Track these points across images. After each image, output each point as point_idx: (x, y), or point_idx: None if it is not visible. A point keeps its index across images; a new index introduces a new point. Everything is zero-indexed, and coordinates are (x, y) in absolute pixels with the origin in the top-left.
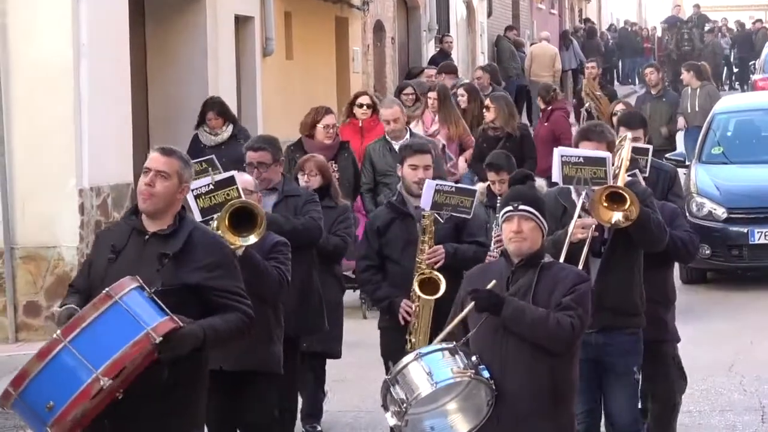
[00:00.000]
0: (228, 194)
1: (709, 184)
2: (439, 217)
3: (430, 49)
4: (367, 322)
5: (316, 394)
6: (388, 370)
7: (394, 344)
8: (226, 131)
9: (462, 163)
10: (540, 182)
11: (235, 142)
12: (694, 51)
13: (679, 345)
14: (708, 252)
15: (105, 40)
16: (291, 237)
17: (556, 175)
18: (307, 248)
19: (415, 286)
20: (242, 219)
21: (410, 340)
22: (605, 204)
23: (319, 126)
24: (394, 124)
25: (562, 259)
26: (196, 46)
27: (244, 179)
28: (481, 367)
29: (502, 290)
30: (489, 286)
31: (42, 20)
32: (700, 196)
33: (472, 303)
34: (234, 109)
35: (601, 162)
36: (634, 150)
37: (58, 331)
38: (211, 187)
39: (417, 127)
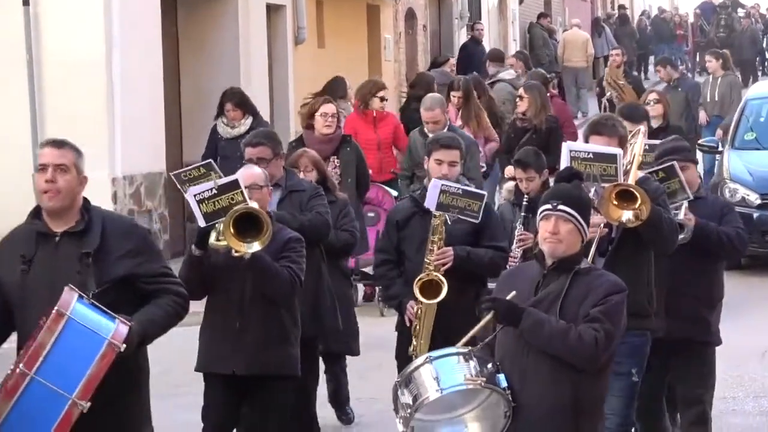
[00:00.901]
0: (232, 198)
1: (742, 170)
2: (447, 219)
3: (461, 37)
4: (386, 319)
5: (340, 383)
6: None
7: (407, 347)
8: (245, 124)
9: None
10: (508, 185)
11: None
12: (730, 37)
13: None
14: None
15: (137, 30)
16: (300, 234)
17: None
18: (315, 245)
19: (415, 289)
20: (248, 223)
21: (413, 343)
22: (615, 202)
23: (317, 115)
24: (434, 126)
25: None
26: (227, 34)
27: (254, 172)
28: (499, 375)
29: (525, 298)
30: (509, 297)
31: (74, 11)
32: (733, 182)
33: (491, 313)
34: (266, 98)
35: (611, 158)
36: (651, 148)
37: (21, 365)
38: (215, 191)
39: None
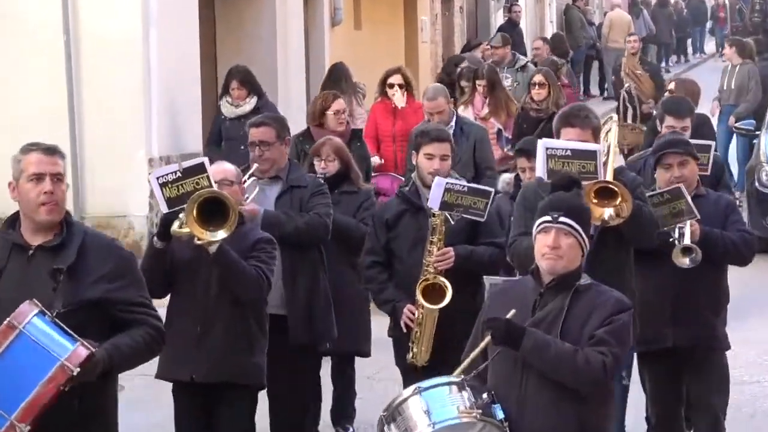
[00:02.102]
0: (198, 183)
1: None
2: (449, 218)
3: (498, 19)
4: None
5: (348, 395)
6: (405, 384)
7: (406, 354)
8: (249, 103)
9: None
10: (505, 177)
11: (256, 115)
12: (765, 22)
13: (746, 316)
14: None
15: (174, 10)
16: (294, 237)
17: (541, 170)
18: (312, 248)
19: (418, 293)
20: (214, 211)
21: (412, 350)
22: (595, 200)
23: (329, 113)
24: (438, 116)
25: None
26: (264, 15)
27: (224, 167)
28: (495, 405)
29: (525, 317)
30: (508, 316)
31: None
32: None
33: (489, 336)
34: (302, 80)
35: (590, 155)
36: (697, 148)
37: None
38: (179, 174)
39: (467, 112)
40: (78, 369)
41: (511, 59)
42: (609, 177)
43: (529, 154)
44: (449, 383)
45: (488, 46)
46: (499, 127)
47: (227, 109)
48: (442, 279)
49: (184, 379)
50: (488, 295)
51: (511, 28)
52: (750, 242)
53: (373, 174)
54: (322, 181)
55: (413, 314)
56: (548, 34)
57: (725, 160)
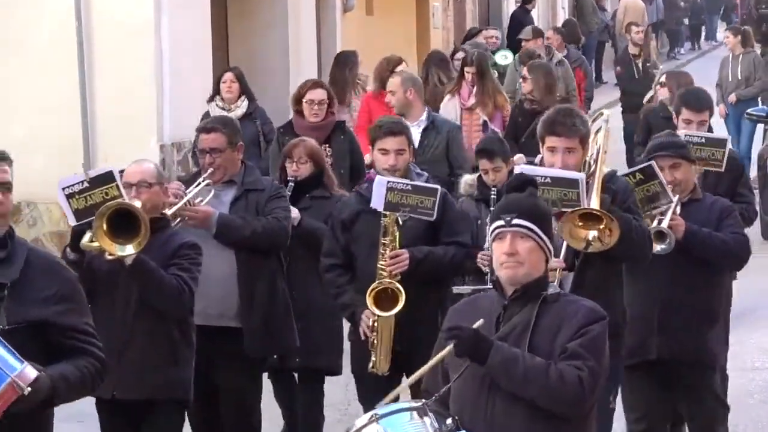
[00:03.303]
0: (106, 193)
1: None
2: (399, 219)
3: (510, 4)
4: None
5: (315, 419)
6: (359, 391)
7: (366, 360)
8: (240, 107)
9: None
10: (467, 178)
11: (249, 121)
12: None
13: (759, 303)
14: None
15: None
16: (251, 242)
17: None
18: (270, 255)
19: (369, 300)
20: (125, 223)
21: (372, 360)
22: (579, 223)
23: (303, 101)
24: (390, 96)
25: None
26: (276, 2)
27: (142, 168)
28: None
29: (489, 334)
30: (475, 325)
31: None
32: None
33: (451, 345)
34: (314, 65)
35: (572, 184)
36: (711, 143)
37: None
38: (86, 184)
39: (453, 101)
40: (29, 388)
41: (547, 53)
42: (597, 187)
43: (491, 154)
44: (410, 409)
45: (488, 33)
46: (485, 119)
47: (217, 112)
48: (396, 284)
49: (105, 396)
50: (450, 309)
51: (523, 14)
52: (743, 243)
53: (366, 171)
54: (281, 185)
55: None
56: (560, 21)
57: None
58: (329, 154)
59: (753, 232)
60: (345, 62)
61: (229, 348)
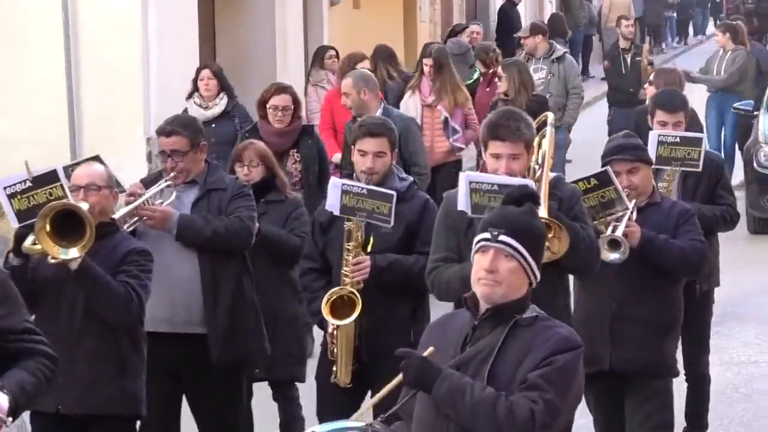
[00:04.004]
0: (50, 193)
1: None
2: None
3: None
4: None
5: (294, 424)
6: (317, 402)
7: (329, 371)
8: (219, 104)
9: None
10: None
11: (227, 119)
12: (759, 7)
13: (744, 297)
14: None
15: None
16: (214, 242)
17: (464, 203)
18: (234, 256)
19: (324, 308)
20: (70, 225)
21: (333, 370)
22: None
23: (268, 107)
24: (345, 99)
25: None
26: None
27: (91, 170)
28: None
29: (450, 356)
30: (426, 353)
31: None
32: None
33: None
34: (301, 59)
35: None
36: (687, 141)
37: None
38: (29, 184)
39: (414, 98)
40: (10, 419)
41: (547, 50)
42: (544, 194)
43: None
44: (351, 428)
45: (471, 29)
46: (446, 116)
47: (195, 110)
48: (351, 290)
49: (49, 410)
50: (429, 326)
51: (510, 8)
52: (700, 250)
53: (334, 171)
54: (245, 183)
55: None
56: (547, 15)
57: (717, 147)
58: (298, 159)
59: (739, 227)
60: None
61: (199, 356)
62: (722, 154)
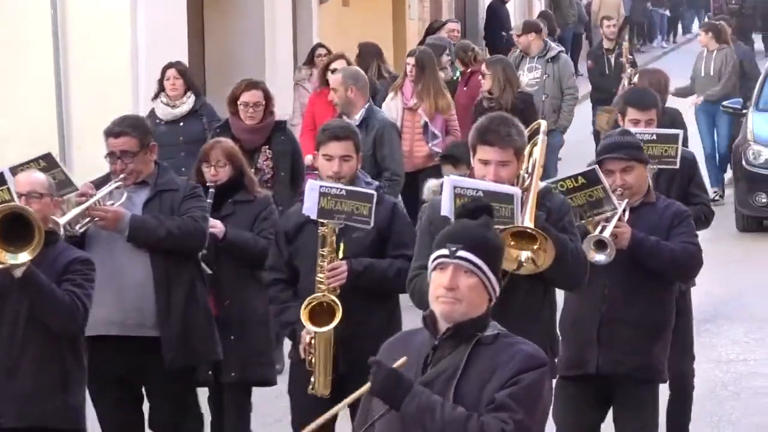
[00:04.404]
0: None
1: (766, 132)
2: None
3: None
4: None
5: (236, 422)
6: (292, 415)
7: (303, 383)
8: (186, 103)
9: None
10: (431, 183)
11: (195, 118)
12: (743, 7)
13: (733, 295)
14: (764, 200)
15: None
16: (167, 243)
17: (447, 209)
18: (187, 258)
19: (303, 315)
20: (17, 230)
21: (311, 381)
22: (512, 242)
23: (239, 104)
24: (333, 94)
25: None
26: None
27: (32, 178)
28: None
29: (415, 376)
30: (396, 364)
31: None
32: (757, 143)
33: (368, 384)
34: (290, 57)
35: (506, 199)
36: (663, 138)
37: None
38: None
39: (395, 101)
40: None
41: (542, 48)
42: (532, 203)
43: (456, 160)
44: None
45: (449, 26)
46: (426, 120)
47: (162, 110)
48: (332, 298)
49: None
50: (384, 344)
51: (499, 6)
52: (694, 254)
53: (307, 172)
54: (196, 184)
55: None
56: (536, 12)
57: (711, 150)
58: (270, 156)
59: (728, 224)
60: (369, 58)
61: (151, 360)
62: (717, 156)
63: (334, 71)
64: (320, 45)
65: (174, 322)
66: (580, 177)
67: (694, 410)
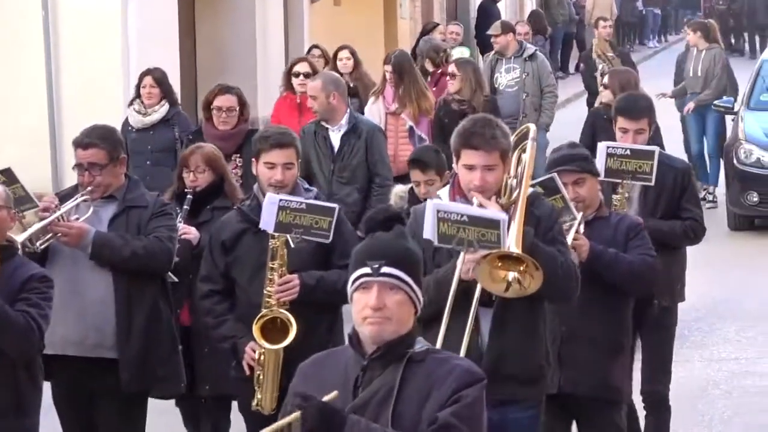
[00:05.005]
0: None
1: (758, 131)
2: (290, 241)
3: None
4: None
5: None
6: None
7: (252, 397)
8: (159, 112)
9: None
10: (398, 189)
11: (166, 127)
12: (730, 8)
13: (725, 294)
14: (756, 199)
15: None
16: (131, 264)
17: (430, 232)
18: (152, 278)
19: (255, 330)
20: None
21: (257, 397)
22: (498, 263)
23: (212, 108)
24: (312, 102)
25: (447, 308)
26: None
27: None
28: None
29: (345, 400)
30: (326, 398)
31: None
32: (749, 143)
33: (297, 413)
34: (281, 56)
35: (493, 225)
36: (639, 155)
37: None
38: None
39: (377, 105)
40: None
41: (518, 48)
42: (520, 220)
43: (425, 165)
44: None
45: (449, 29)
46: (411, 125)
47: (134, 118)
48: (285, 312)
49: None
50: (299, 368)
51: (490, 5)
52: (651, 265)
53: None
54: (167, 201)
55: (256, 353)
56: (527, 11)
57: (700, 154)
58: (239, 165)
59: (719, 223)
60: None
61: (107, 383)
62: (706, 157)
63: (297, 75)
64: (315, 46)
65: (133, 344)
66: (538, 186)
67: (685, 409)
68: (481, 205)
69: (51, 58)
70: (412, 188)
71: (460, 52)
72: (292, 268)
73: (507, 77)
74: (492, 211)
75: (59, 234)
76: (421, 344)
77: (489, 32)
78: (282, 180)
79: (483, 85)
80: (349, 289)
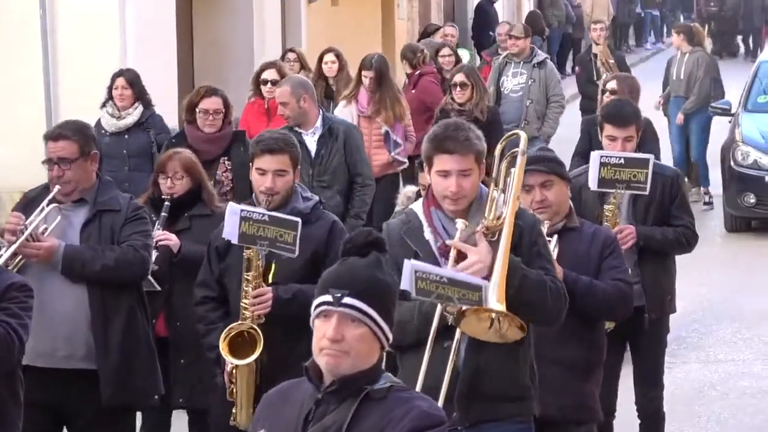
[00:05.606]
0: None
1: (755, 133)
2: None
3: None
4: None
5: None
6: None
7: (227, 410)
8: (133, 115)
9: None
10: (407, 190)
11: (141, 131)
12: (722, 10)
13: (721, 295)
14: (753, 201)
15: None
16: (103, 277)
17: (407, 285)
18: (128, 287)
19: (223, 345)
20: None
21: (233, 412)
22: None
23: (197, 111)
24: (283, 109)
25: (432, 332)
26: None
27: None
28: None
29: (296, 430)
30: None
31: None
32: (746, 144)
33: None
34: (279, 56)
35: (474, 288)
36: (633, 163)
37: None
38: None
39: (349, 108)
40: None
41: (529, 53)
42: (505, 251)
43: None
44: None
45: (444, 30)
46: (387, 129)
47: (107, 121)
48: (253, 326)
49: None
50: (263, 398)
51: (488, 6)
52: (626, 295)
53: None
54: (140, 204)
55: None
56: (525, 12)
57: (681, 158)
58: (228, 168)
59: (715, 224)
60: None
61: (82, 394)
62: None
63: (266, 83)
64: (291, 50)
65: (112, 358)
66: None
67: (682, 410)
68: (462, 237)
69: (48, 58)
70: (420, 190)
71: (461, 55)
72: (278, 280)
73: (513, 81)
74: (475, 278)
75: (30, 256)
76: (384, 380)
77: (513, 33)
78: (272, 187)
79: (487, 93)
80: (312, 314)
